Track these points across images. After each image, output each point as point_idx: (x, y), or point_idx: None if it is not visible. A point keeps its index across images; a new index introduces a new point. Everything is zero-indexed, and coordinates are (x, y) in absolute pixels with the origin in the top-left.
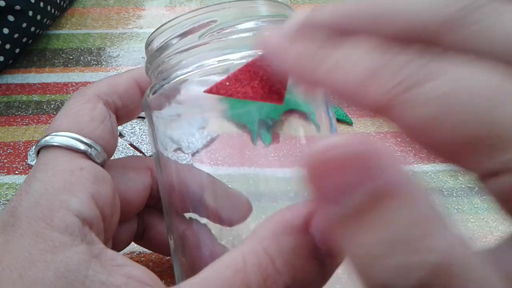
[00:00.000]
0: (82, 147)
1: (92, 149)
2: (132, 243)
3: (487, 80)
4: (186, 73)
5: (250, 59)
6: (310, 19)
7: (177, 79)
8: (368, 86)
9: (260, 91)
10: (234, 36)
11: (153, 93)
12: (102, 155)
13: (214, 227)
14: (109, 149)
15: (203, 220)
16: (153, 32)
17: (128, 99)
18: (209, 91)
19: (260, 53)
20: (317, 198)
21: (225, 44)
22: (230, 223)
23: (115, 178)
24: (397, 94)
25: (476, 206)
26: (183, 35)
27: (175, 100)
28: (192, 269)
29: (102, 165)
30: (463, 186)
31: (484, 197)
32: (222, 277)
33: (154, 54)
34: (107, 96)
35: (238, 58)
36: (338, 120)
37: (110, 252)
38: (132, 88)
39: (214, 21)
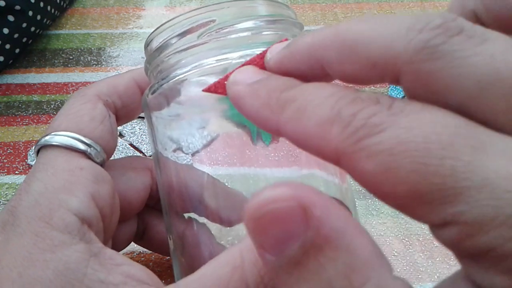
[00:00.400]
0: (81, 146)
1: (92, 148)
2: (132, 243)
3: (435, 133)
4: (184, 72)
5: (248, 59)
6: (283, 53)
7: (175, 78)
8: (324, 135)
9: None
10: (232, 36)
11: (152, 93)
12: (102, 155)
13: (213, 227)
14: (109, 149)
15: (203, 220)
16: (152, 32)
17: (128, 99)
18: (207, 90)
19: (257, 52)
20: (258, 249)
21: (224, 44)
22: (229, 223)
23: (115, 178)
24: (347, 146)
25: None
26: (182, 34)
27: (174, 100)
28: (192, 269)
29: (102, 165)
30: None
31: None
32: (220, 274)
33: (153, 54)
34: (107, 96)
35: (236, 57)
36: None
37: (109, 251)
38: (132, 88)
39: (213, 21)
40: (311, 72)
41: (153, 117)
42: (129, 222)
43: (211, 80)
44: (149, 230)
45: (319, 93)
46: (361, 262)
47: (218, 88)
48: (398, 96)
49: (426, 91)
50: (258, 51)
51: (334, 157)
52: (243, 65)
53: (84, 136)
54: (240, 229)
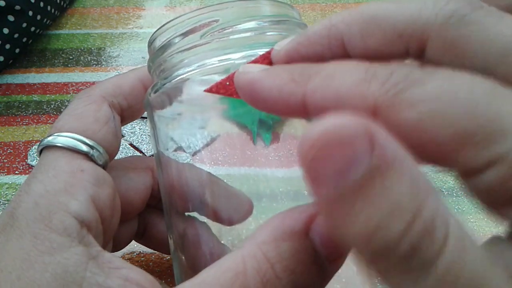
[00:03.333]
0: (84, 148)
1: (94, 150)
2: (133, 243)
3: (479, 83)
4: (187, 72)
5: (250, 59)
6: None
7: (178, 78)
8: (362, 91)
9: None
10: (235, 36)
11: (155, 92)
12: (104, 157)
13: (214, 227)
14: (112, 151)
15: (203, 219)
16: (156, 31)
17: (134, 100)
18: (209, 90)
19: (260, 52)
20: (313, 184)
21: (227, 44)
22: (230, 223)
23: (116, 179)
24: (387, 99)
25: (476, 206)
26: (185, 34)
27: (176, 99)
28: (192, 269)
29: (104, 166)
30: (463, 186)
31: None
32: (221, 280)
33: (156, 53)
34: (112, 97)
35: (239, 58)
36: None
37: (108, 255)
38: (137, 88)
39: (216, 21)
40: (329, 52)
41: (155, 116)
42: (130, 221)
43: (214, 80)
44: (149, 229)
45: (345, 64)
46: (422, 182)
47: (220, 89)
48: None
49: (455, 56)
50: (261, 51)
51: (372, 113)
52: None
53: (87, 138)
54: (241, 229)
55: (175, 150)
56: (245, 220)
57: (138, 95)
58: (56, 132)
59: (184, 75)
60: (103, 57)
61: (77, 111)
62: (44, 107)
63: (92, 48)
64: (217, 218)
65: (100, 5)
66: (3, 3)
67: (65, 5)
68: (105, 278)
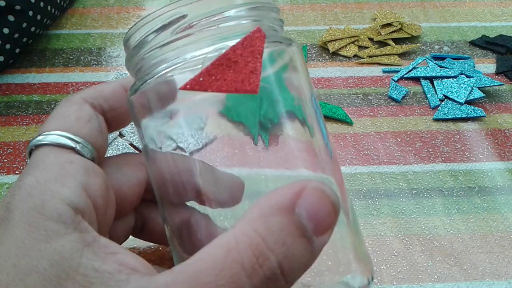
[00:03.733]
0: (70, 143)
1: (80, 145)
2: (132, 240)
3: None
4: (164, 69)
5: (222, 52)
6: None
7: (157, 75)
8: None
9: (234, 83)
10: (210, 28)
11: (134, 92)
12: (91, 152)
13: (211, 212)
14: (98, 147)
15: (200, 207)
16: (130, 29)
17: (115, 103)
18: (184, 87)
19: (231, 45)
20: None
21: (198, 38)
22: (224, 205)
23: (109, 174)
24: None
25: (475, 206)
26: (158, 31)
27: (160, 99)
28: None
29: (92, 160)
30: (463, 186)
31: (484, 197)
32: (214, 257)
33: (132, 52)
34: (93, 99)
35: (211, 51)
36: (339, 120)
37: (103, 240)
38: (118, 92)
39: (184, 16)
40: None
41: (138, 115)
42: (126, 217)
43: (192, 75)
44: (148, 223)
45: None
46: None
47: (195, 85)
48: (398, 96)
49: None
50: (232, 43)
51: None
52: (218, 58)
53: (72, 134)
54: (238, 214)
55: (174, 150)
56: (240, 200)
57: (120, 99)
58: (42, 133)
59: (161, 73)
60: (103, 57)
61: (59, 113)
62: (44, 107)
63: (92, 48)
64: (212, 202)
65: (100, 5)
66: (3, 3)
67: (65, 5)
68: (101, 264)
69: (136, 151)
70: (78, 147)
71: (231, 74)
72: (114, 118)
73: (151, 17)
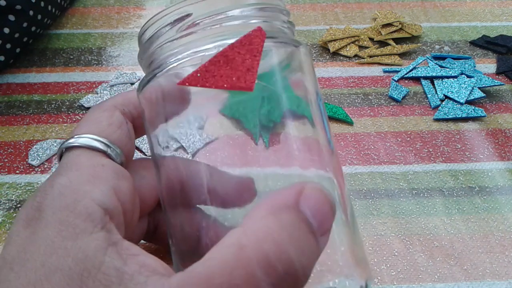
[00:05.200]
0: (102, 147)
1: (111, 149)
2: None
3: None
4: (174, 63)
5: (220, 49)
6: None
7: (167, 68)
8: None
9: (230, 80)
10: (216, 26)
11: (143, 86)
12: (120, 156)
13: (219, 213)
14: (127, 152)
15: (208, 209)
16: (144, 24)
17: None
18: (182, 83)
19: (229, 42)
20: None
21: (204, 35)
22: (235, 205)
23: None
24: None
25: (476, 206)
26: (172, 24)
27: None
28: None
29: (121, 165)
30: (463, 186)
31: (485, 197)
32: (225, 255)
33: (144, 46)
34: (123, 106)
35: (210, 49)
36: (339, 120)
37: (126, 242)
38: None
39: (189, 15)
40: None
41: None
42: (140, 221)
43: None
44: (160, 227)
45: None
46: None
47: (192, 81)
48: (398, 96)
49: None
50: (230, 41)
51: None
52: (216, 55)
53: (104, 138)
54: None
55: (176, 150)
56: (251, 201)
57: None
58: (75, 136)
59: (172, 66)
60: (103, 57)
61: (91, 118)
62: (45, 106)
63: (93, 48)
64: (220, 203)
65: (100, 4)
66: (3, 3)
67: (65, 4)
68: (123, 264)
69: (137, 151)
70: (109, 151)
71: (227, 71)
72: (141, 125)
73: (162, 14)
